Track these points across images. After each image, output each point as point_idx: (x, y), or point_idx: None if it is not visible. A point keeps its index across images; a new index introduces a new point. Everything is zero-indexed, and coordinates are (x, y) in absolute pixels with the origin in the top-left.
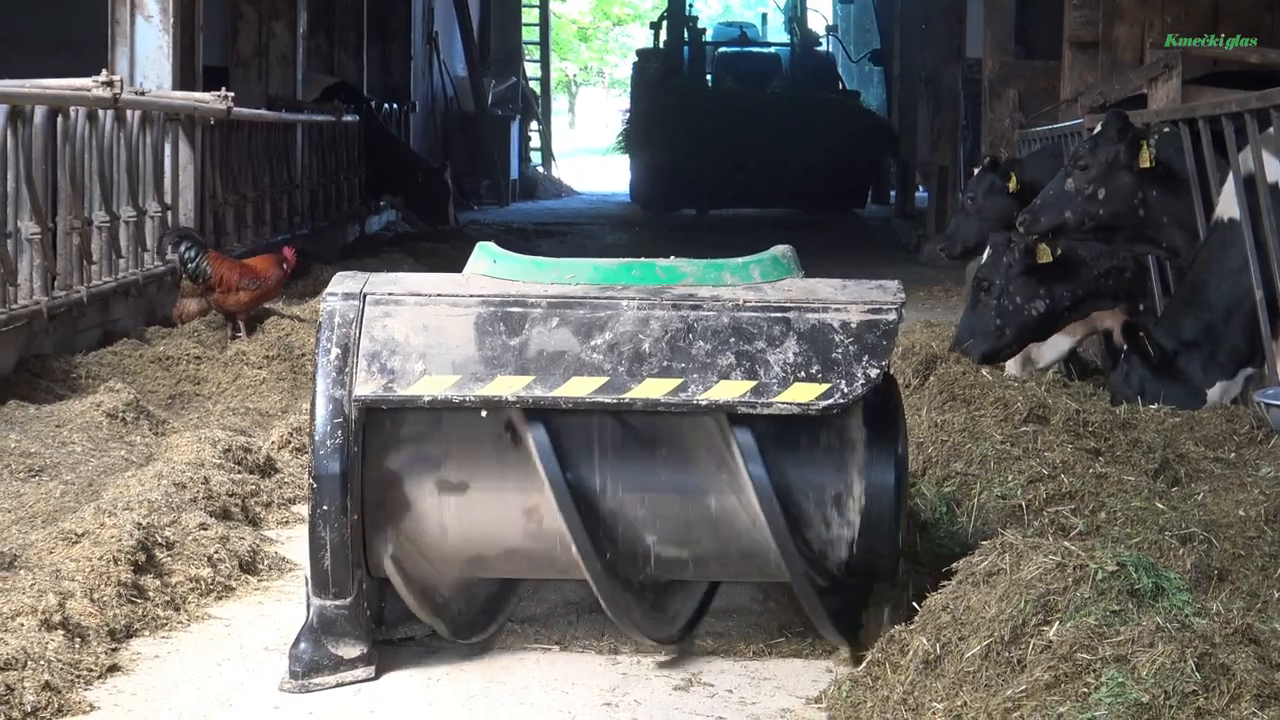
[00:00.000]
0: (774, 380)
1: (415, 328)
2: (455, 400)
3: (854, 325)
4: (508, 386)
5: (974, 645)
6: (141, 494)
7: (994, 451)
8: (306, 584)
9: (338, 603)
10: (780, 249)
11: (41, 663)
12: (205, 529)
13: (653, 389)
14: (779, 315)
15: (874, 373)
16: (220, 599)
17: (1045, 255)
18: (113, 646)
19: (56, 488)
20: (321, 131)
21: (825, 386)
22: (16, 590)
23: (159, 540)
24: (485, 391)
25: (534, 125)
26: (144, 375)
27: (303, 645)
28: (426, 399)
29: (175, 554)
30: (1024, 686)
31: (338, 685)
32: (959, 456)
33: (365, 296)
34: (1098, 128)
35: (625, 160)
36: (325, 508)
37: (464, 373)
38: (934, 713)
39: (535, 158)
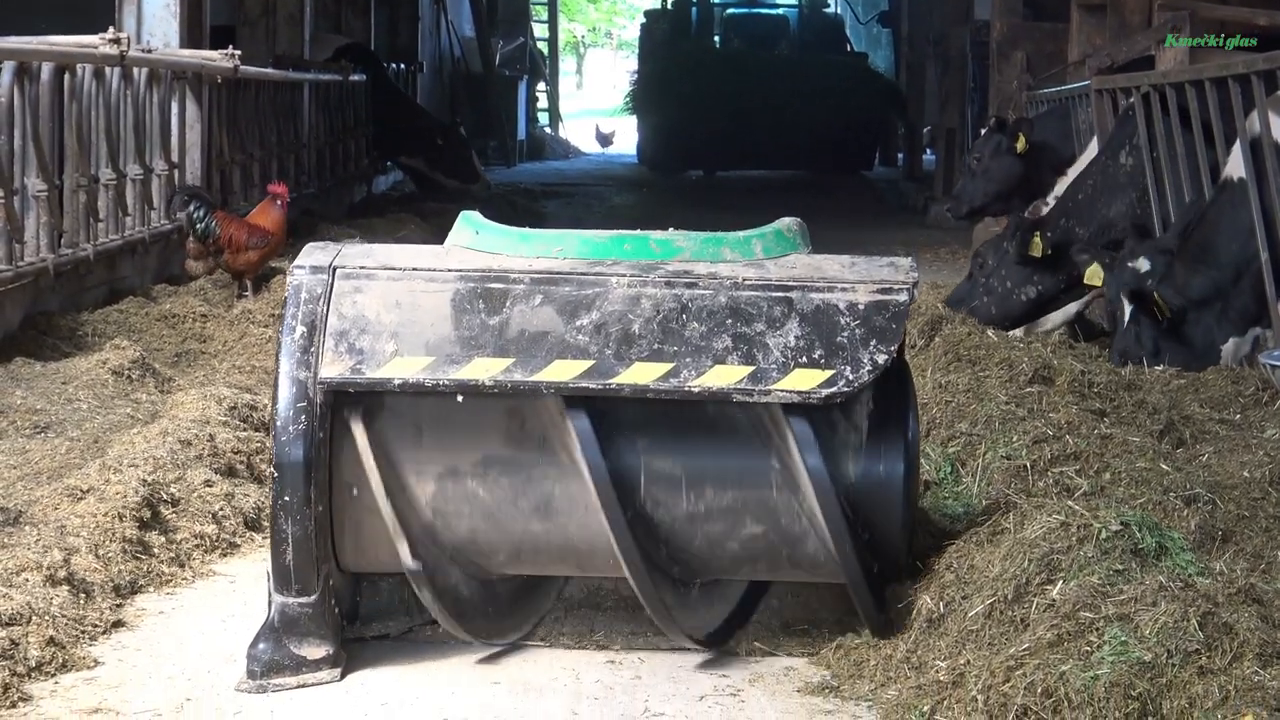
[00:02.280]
0: (773, 366)
1: (387, 304)
2: (428, 384)
3: (861, 306)
4: (485, 370)
5: (977, 604)
6: (147, 451)
7: (999, 412)
8: (267, 579)
9: (301, 600)
10: (786, 221)
11: (46, 618)
12: (210, 486)
13: (641, 374)
14: (781, 295)
15: (882, 358)
16: (225, 555)
17: (1038, 249)
18: (117, 602)
19: (62, 444)
20: (328, 91)
21: (828, 373)
22: (21, 546)
23: (164, 497)
24: (461, 375)
25: (541, 86)
26: (150, 333)
27: (261, 645)
28: (397, 382)
29: (180, 511)
30: (1027, 645)
31: (299, 687)
32: (964, 417)
33: (335, 270)
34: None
35: (633, 121)
36: (287, 498)
37: (438, 354)
38: (937, 671)
39: (542, 118)
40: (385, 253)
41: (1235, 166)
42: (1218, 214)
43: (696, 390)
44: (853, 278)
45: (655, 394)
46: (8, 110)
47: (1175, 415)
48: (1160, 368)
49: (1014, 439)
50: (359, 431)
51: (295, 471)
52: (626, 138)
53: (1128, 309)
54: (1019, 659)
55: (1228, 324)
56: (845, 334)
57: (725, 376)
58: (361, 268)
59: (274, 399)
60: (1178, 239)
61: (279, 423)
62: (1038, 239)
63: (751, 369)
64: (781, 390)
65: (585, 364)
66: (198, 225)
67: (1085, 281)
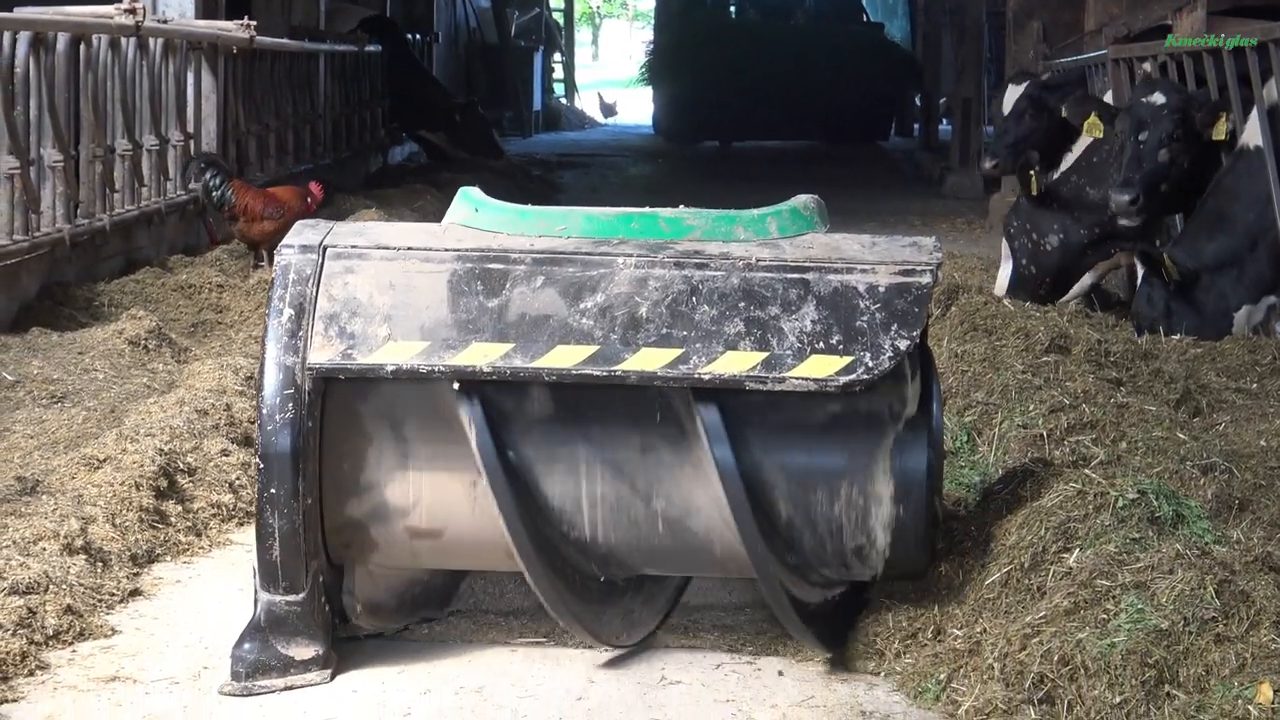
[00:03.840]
0: (788, 352)
1: (380, 286)
2: (423, 370)
3: (882, 289)
4: (483, 355)
5: (994, 572)
6: (164, 420)
7: (1015, 381)
8: (254, 576)
9: (289, 598)
10: (802, 199)
11: (63, 587)
12: (227, 455)
13: (649, 360)
14: (796, 276)
15: (904, 344)
16: (242, 525)
17: (1034, 185)
18: (134, 571)
19: (79, 414)
20: (344, 61)
21: (847, 360)
22: (39, 515)
23: (181, 466)
24: (457, 361)
25: (557, 57)
26: (166, 303)
27: (247, 645)
28: (390, 368)
29: (197, 480)
30: (1043, 613)
31: (286, 689)
32: (980, 386)
33: (325, 249)
34: None
35: (636, 92)
36: (274, 491)
37: (434, 339)
38: (954, 639)
39: (558, 89)
40: (378, 231)
41: (1252, 135)
42: (1234, 181)
43: (706, 378)
44: (873, 258)
45: (663, 381)
46: (23, 81)
47: (1192, 384)
48: (1177, 337)
49: (1030, 408)
50: (473, 424)
51: (282, 462)
52: (629, 108)
53: (1140, 269)
54: (1035, 627)
55: (1241, 291)
56: (865, 318)
57: (737, 363)
58: (353, 247)
59: (259, 386)
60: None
61: (265, 411)
62: (1031, 177)
63: (765, 355)
64: (797, 378)
65: (589, 349)
66: (214, 193)
67: (1085, 133)
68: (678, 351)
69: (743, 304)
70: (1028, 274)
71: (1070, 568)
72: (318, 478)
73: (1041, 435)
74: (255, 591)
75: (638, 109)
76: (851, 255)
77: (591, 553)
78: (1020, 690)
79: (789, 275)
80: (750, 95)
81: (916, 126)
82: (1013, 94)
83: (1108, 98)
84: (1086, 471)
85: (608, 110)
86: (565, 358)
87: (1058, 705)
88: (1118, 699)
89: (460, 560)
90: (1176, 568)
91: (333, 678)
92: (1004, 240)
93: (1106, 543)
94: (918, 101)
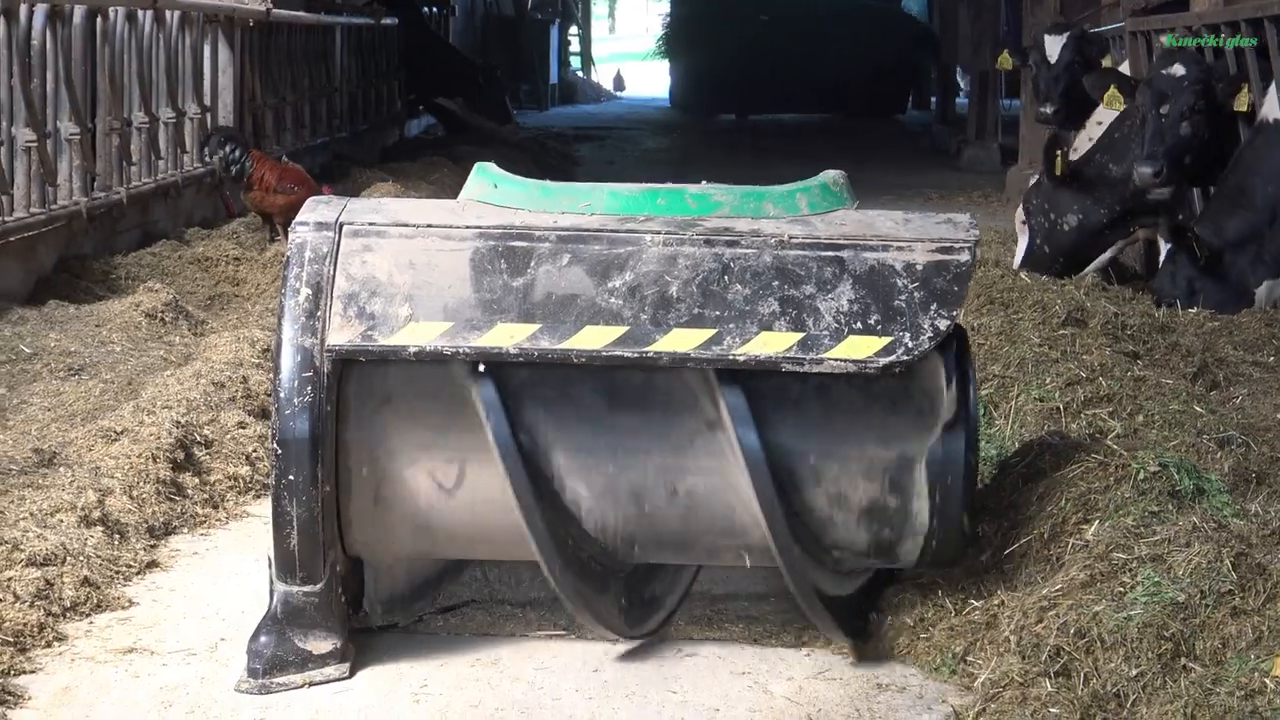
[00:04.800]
0: (825, 332)
1: (400, 265)
2: (447, 352)
3: (920, 267)
4: (509, 336)
5: (1011, 544)
6: (180, 393)
7: (1032, 354)
8: (269, 566)
9: (306, 589)
10: (831, 175)
11: (81, 559)
12: (244, 428)
13: (680, 341)
14: (831, 254)
15: (944, 324)
16: (259, 497)
17: (1059, 166)
18: (151, 543)
19: (96, 386)
20: (360, 34)
21: (886, 340)
22: (56, 487)
23: (198, 438)
24: (482, 342)
25: (573, 29)
26: (183, 276)
27: (263, 638)
28: (413, 349)
29: (214, 452)
30: (1060, 586)
31: (305, 685)
32: (996, 359)
33: (342, 227)
34: None
35: (664, 66)
36: (292, 477)
37: (457, 319)
38: (971, 611)
39: (574, 62)
40: (396, 208)
41: (1271, 108)
42: (1254, 156)
43: (741, 359)
44: (909, 236)
45: (696, 363)
46: (40, 54)
47: (1209, 358)
48: (1194, 310)
49: (1047, 381)
50: (487, 403)
51: (300, 448)
52: (643, 81)
53: (1164, 246)
54: (1052, 600)
55: (1262, 267)
56: (903, 297)
57: (773, 344)
58: (371, 224)
59: (276, 369)
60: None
61: (282, 395)
62: (1058, 158)
63: (801, 336)
64: (835, 359)
65: (618, 330)
66: (233, 165)
67: (1104, 105)
68: (710, 332)
69: (776, 283)
70: (1041, 253)
71: (1088, 540)
72: (334, 463)
73: (1058, 408)
74: (270, 582)
75: (652, 82)
76: (886, 232)
77: (607, 540)
78: (1037, 663)
79: (823, 253)
80: (767, 68)
81: (933, 100)
82: (1052, 44)
83: (1124, 69)
84: (1108, 443)
85: (617, 84)
86: (594, 339)
87: (1074, 678)
88: (1134, 671)
89: (476, 548)
90: (1193, 541)
91: (351, 672)
92: (1018, 216)
93: (1125, 516)
94: (934, 75)
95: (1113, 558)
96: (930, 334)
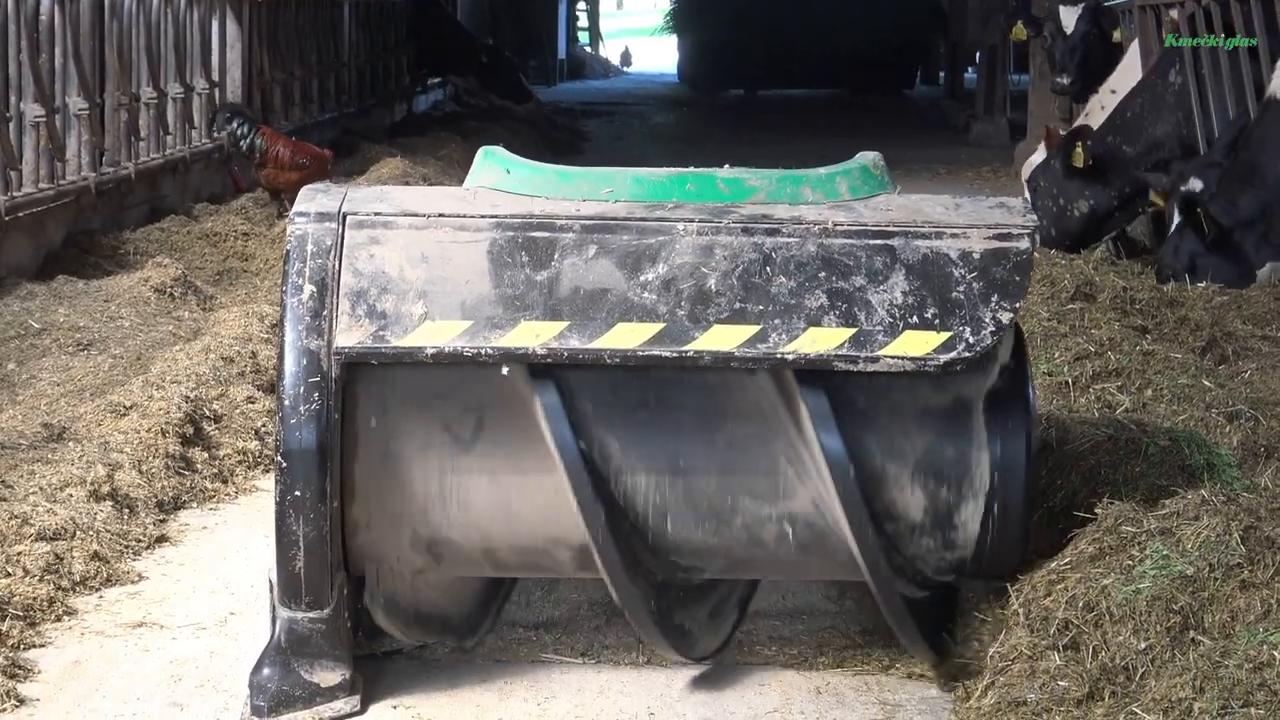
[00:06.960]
0: (878, 327)
1: (411, 259)
2: (468, 353)
3: (977, 256)
4: (535, 335)
5: None
6: (189, 368)
7: (1041, 329)
8: (271, 591)
9: (313, 615)
10: (869, 156)
11: (90, 533)
12: (253, 403)
13: (722, 338)
14: (881, 243)
15: (1005, 317)
16: (268, 472)
17: (1079, 158)
18: (161, 518)
19: (105, 361)
20: (369, 9)
21: (945, 335)
22: (65, 462)
23: (207, 413)
24: (506, 342)
25: (581, 4)
26: (192, 251)
27: (266, 670)
28: (430, 351)
29: (223, 427)
30: (1069, 559)
31: None
32: None
33: (345, 217)
34: None
35: (672, 41)
36: (298, 493)
37: (477, 317)
38: (979, 584)
39: (583, 37)
40: (400, 196)
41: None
42: (1263, 133)
43: (790, 357)
44: (962, 222)
45: (740, 363)
46: (49, 29)
47: (1217, 332)
48: (1204, 284)
49: (1056, 355)
50: (547, 409)
51: (307, 460)
52: (645, 57)
53: (1176, 218)
54: (1061, 573)
55: (1268, 248)
56: (961, 288)
57: (823, 341)
58: (376, 214)
59: (279, 373)
60: (1224, 153)
61: (287, 402)
62: (1079, 148)
63: (853, 331)
64: (891, 357)
65: (654, 327)
66: (243, 141)
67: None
68: (754, 329)
69: (823, 274)
70: (1048, 236)
71: (1096, 514)
72: (340, 477)
73: (1067, 383)
74: (273, 608)
75: (660, 58)
76: (937, 218)
77: (669, 553)
78: (1045, 636)
79: (872, 241)
80: (775, 43)
81: (942, 75)
82: (1067, 14)
83: (1135, 45)
84: (1117, 417)
85: (624, 59)
86: (628, 337)
87: (1082, 651)
88: (1142, 645)
89: (514, 566)
90: (1202, 514)
91: (363, 705)
92: (1024, 196)
93: (1134, 489)
94: (943, 50)
95: (1121, 531)
96: (992, 328)
